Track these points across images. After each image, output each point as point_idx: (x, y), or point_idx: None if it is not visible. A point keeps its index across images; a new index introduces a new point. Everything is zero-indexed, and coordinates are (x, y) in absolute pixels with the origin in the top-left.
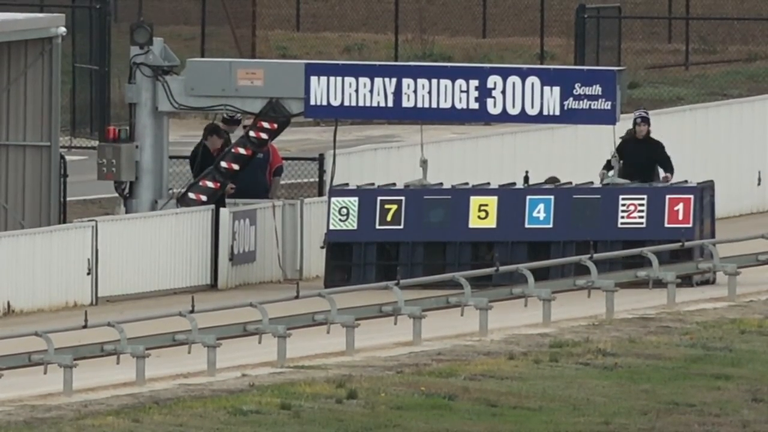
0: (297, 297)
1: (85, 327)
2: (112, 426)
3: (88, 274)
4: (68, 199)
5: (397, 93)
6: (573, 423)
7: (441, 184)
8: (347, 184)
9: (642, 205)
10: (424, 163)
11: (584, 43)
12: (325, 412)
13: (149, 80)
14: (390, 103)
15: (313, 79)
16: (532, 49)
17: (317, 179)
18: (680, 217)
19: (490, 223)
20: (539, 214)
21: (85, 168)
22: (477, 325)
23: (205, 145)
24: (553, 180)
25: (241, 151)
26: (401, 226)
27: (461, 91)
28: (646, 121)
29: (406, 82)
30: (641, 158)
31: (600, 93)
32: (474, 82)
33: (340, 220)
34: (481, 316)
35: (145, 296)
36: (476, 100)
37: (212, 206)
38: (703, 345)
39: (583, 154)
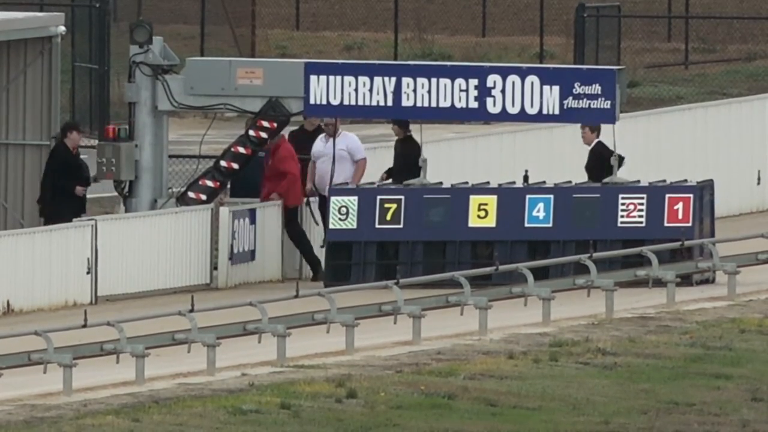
0: (296, 296)
1: (84, 326)
2: (112, 425)
3: (88, 273)
4: None
5: (397, 92)
6: (572, 422)
7: (441, 183)
8: (347, 183)
9: (642, 204)
10: (423, 162)
11: (584, 42)
12: (324, 412)
13: (149, 79)
14: (389, 103)
15: (313, 78)
16: (532, 48)
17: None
18: (680, 216)
19: (490, 222)
20: (539, 213)
21: None
22: (477, 324)
23: None
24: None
25: (241, 150)
26: (401, 226)
27: (461, 90)
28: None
29: (406, 81)
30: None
31: (599, 92)
32: (473, 81)
33: (339, 219)
34: (480, 315)
35: (144, 295)
36: (476, 99)
37: (211, 205)
38: (702, 344)
39: (583, 154)
